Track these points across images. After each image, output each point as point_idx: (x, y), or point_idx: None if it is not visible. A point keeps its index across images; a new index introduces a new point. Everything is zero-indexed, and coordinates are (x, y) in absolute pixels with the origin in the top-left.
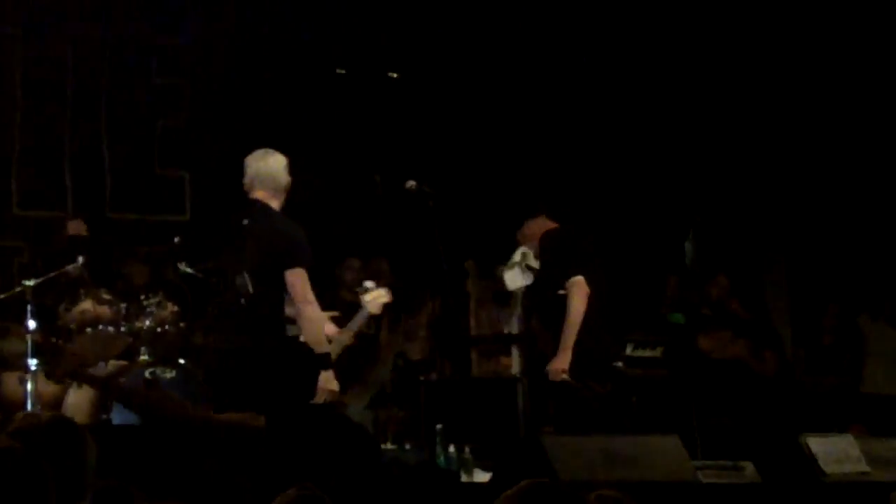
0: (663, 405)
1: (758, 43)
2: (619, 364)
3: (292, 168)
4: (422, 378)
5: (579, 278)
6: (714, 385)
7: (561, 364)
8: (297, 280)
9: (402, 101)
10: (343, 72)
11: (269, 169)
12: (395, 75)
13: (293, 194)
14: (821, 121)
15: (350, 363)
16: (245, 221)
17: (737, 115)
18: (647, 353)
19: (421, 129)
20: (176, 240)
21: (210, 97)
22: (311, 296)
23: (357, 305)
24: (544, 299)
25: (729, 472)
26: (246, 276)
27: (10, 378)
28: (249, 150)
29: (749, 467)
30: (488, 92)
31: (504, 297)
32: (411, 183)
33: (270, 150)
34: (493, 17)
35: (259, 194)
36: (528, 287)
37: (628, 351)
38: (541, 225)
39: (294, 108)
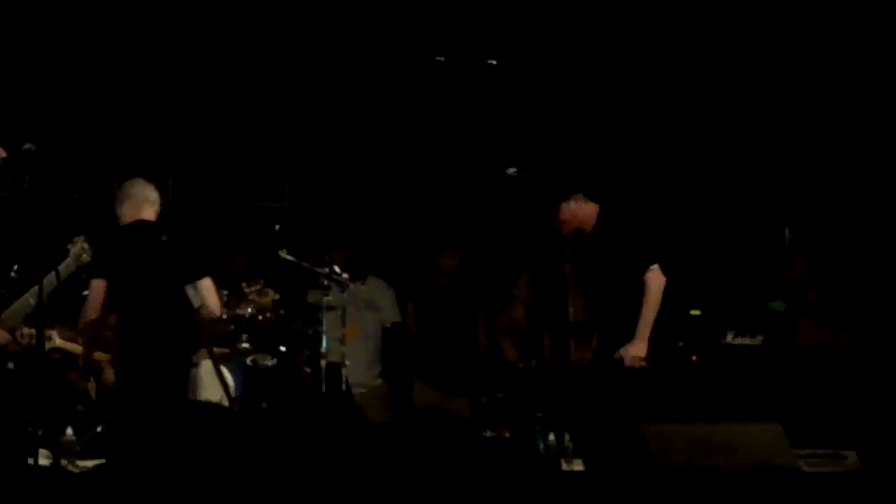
0: (763, 392)
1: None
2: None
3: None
4: (520, 365)
5: (657, 266)
6: (819, 371)
7: (639, 351)
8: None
9: (502, 89)
10: (442, 59)
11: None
12: (494, 62)
13: (392, 182)
14: None
15: (449, 359)
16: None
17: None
18: (747, 340)
19: (521, 115)
20: (276, 227)
21: (309, 85)
22: None
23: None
24: (612, 285)
25: (831, 461)
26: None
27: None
28: (349, 138)
29: (851, 455)
30: (587, 77)
31: None
32: (511, 170)
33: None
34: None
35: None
36: (586, 271)
37: (728, 339)
38: (593, 208)
39: (393, 95)
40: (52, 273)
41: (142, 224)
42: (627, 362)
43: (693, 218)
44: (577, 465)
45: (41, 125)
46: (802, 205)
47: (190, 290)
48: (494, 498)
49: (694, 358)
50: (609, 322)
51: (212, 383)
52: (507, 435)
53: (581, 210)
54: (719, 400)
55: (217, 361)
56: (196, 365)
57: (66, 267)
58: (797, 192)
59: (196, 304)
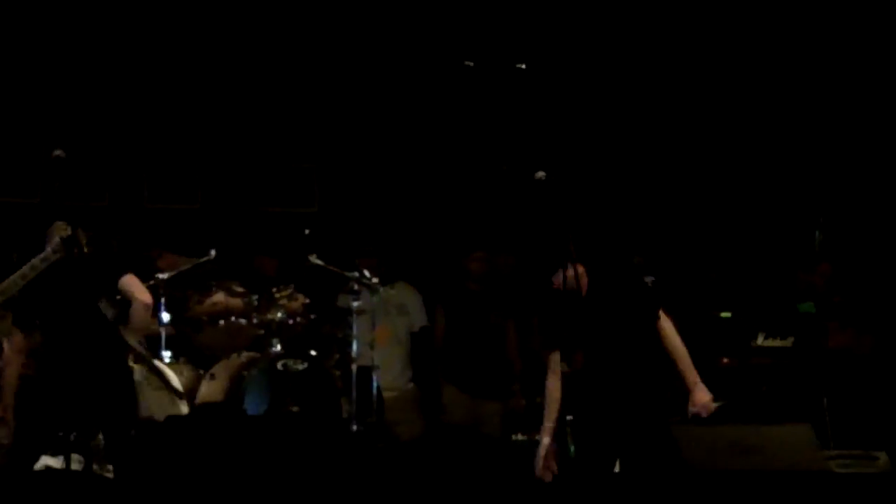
0: (794, 394)
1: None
2: None
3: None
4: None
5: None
6: (849, 373)
7: (707, 395)
8: None
9: (531, 93)
10: (471, 64)
11: None
12: (523, 66)
13: (421, 186)
14: None
15: (479, 363)
16: None
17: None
18: (778, 342)
19: (550, 119)
20: (306, 232)
21: (338, 91)
22: None
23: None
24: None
25: (861, 462)
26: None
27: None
28: (378, 143)
29: (882, 457)
30: (617, 81)
31: None
32: (541, 174)
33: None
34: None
35: None
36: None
37: (759, 341)
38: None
39: (422, 100)
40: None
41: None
42: (705, 413)
43: (723, 220)
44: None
45: (71, 132)
46: (832, 207)
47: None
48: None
49: (724, 360)
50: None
51: (150, 388)
52: (538, 438)
53: (581, 278)
54: (750, 402)
55: (151, 362)
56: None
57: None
58: (827, 194)
59: (110, 315)
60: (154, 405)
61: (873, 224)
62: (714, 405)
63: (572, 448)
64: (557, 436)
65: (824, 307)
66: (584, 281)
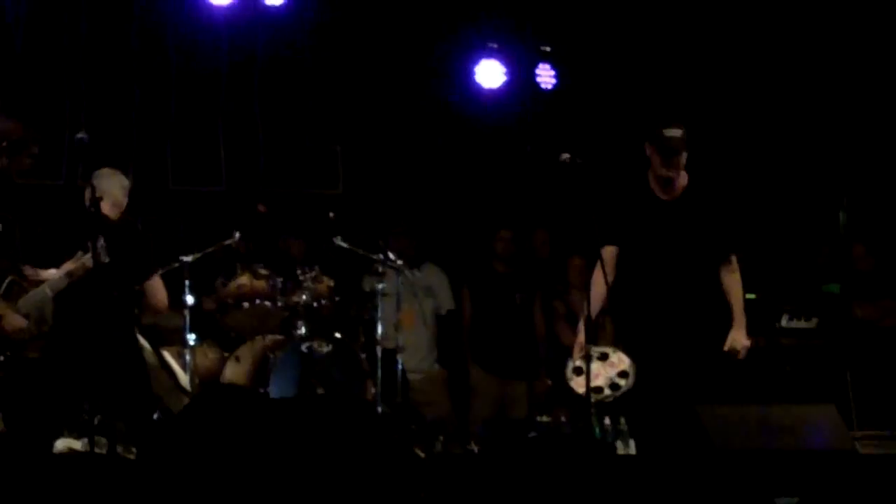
0: (819, 375)
1: None
2: None
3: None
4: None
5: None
6: (874, 354)
7: (746, 338)
8: None
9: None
10: (495, 46)
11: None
12: (547, 49)
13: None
14: None
15: (506, 344)
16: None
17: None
18: (802, 323)
19: (573, 102)
20: (331, 214)
21: (362, 72)
22: None
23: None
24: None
25: (887, 442)
26: None
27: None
28: (402, 124)
29: None
30: (642, 62)
31: None
32: (565, 155)
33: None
34: None
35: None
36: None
37: (783, 322)
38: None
39: (445, 82)
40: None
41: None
42: (743, 354)
43: (747, 202)
44: (634, 449)
45: (96, 114)
46: (856, 187)
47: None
48: (551, 482)
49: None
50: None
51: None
52: (563, 419)
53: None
54: (775, 383)
55: (160, 358)
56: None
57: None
58: (851, 174)
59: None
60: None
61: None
62: (747, 346)
63: (597, 429)
64: (582, 416)
65: (856, 284)
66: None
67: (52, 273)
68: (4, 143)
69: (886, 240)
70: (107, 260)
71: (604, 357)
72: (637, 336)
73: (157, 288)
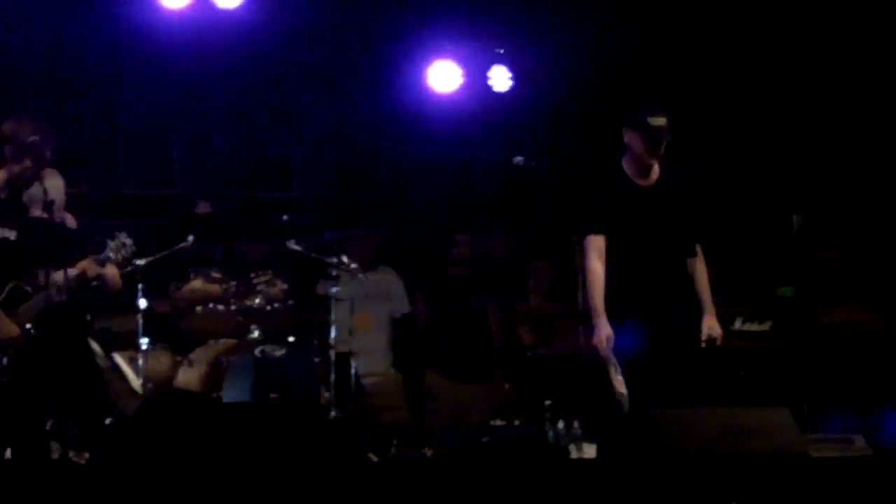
0: (773, 378)
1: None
2: None
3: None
4: (530, 354)
5: None
6: (830, 358)
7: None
8: None
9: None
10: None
11: None
12: (500, 51)
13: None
14: None
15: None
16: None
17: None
18: (756, 326)
19: (529, 105)
20: (284, 217)
21: (316, 76)
22: None
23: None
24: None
25: (839, 445)
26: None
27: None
28: (358, 128)
29: (859, 440)
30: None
31: None
32: (519, 159)
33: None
34: None
35: None
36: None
37: (737, 325)
38: None
39: (402, 85)
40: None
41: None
42: (720, 341)
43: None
44: (588, 452)
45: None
46: (811, 190)
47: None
48: (505, 486)
49: (703, 344)
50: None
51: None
52: (517, 423)
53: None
54: (730, 386)
55: (112, 362)
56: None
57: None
58: (805, 177)
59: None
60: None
61: (853, 206)
62: (721, 333)
63: (551, 433)
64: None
65: (805, 290)
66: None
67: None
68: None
69: (843, 244)
70: (127, 255)
71: None
72: (620, 325)
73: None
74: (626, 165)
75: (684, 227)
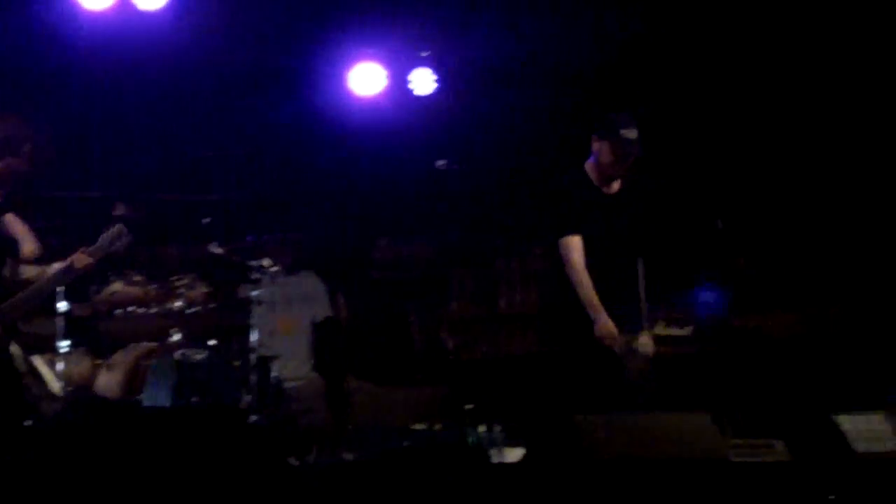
0: (693, 383)
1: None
2: None
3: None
4: (451, 358)
5: None
6: (752, 362)
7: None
8: None
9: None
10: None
11: None
12: (425, 54)
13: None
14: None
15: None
16: None
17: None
18: (676, 331)
19: (453, 109)
20: (205, 221)
21: (237, 77)
22: None
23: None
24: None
25: (760, 450)
26: None
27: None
28: (276, 129)
29: (780, 445)
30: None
31: (534, 275)
32: (441, 162)
33: None
34: None
35: None
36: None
37: (658, 329)
38: None
39: (324, 86)
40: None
41: None
42: (644, 363)
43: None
44: (509, 456)
45: None
46: (733, 195)
47: None
48: (425, 490)
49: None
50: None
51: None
52: (438, 427)
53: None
54: (651, 391)
55: (28, 356)
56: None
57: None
58: (727, 181)
59: None
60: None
61: (776, 211)
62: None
63: (472, 438)
64: (457, 422)
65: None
66: None
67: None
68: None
69: (768, 249)
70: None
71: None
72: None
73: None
74: (589, 170)
75: (639, 238)
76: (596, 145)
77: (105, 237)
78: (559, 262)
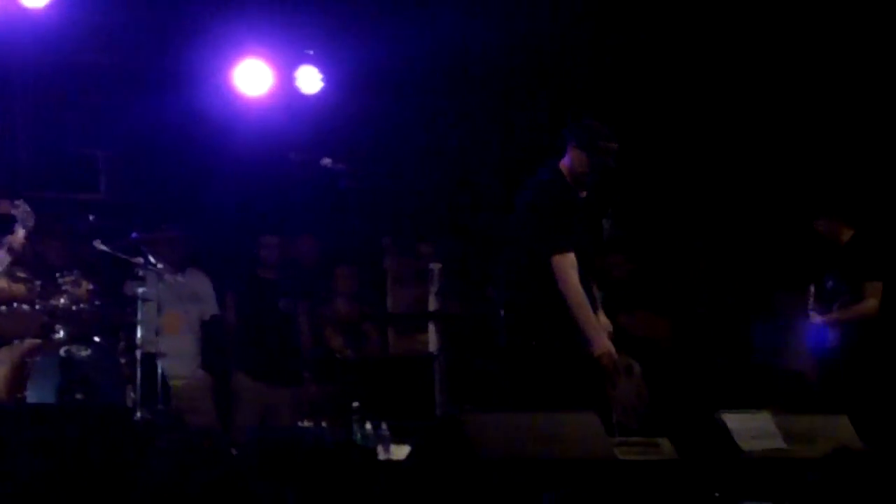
0: (579, 383)
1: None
2: None
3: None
4: (338, 356)
5: None
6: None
7: None
8: None
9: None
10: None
11: None
12: (311, 52)
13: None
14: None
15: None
16: None
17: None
18: None
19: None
20: (91, 218)
21: (123, 76)
22: None
23: (275, 283)
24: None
25: (645, 449)
26: None
27: None
28: (161, 127)
29: (665, 444)
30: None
31: (422, 274)
32: (326, 160)
33: None
34: None
35: None
36: None
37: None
38: None
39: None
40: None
41: None
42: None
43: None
44: (396, 454)
45: None
46: (620, 195)
47: None
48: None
49: None
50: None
51: None
52: (325, 425)
53: None
54: (538, 391)
55: None
56: None
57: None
58: (615, 182)
59: None
60: None
61: (662, 211)
62: None
63: (358, 435)
64: (343, 420)
65: (616, 294)
66: None
67: None
68: None
69: (644, 249)
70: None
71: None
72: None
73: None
74: (567, 174)
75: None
76: (571, 153)
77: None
78: (538, 274)
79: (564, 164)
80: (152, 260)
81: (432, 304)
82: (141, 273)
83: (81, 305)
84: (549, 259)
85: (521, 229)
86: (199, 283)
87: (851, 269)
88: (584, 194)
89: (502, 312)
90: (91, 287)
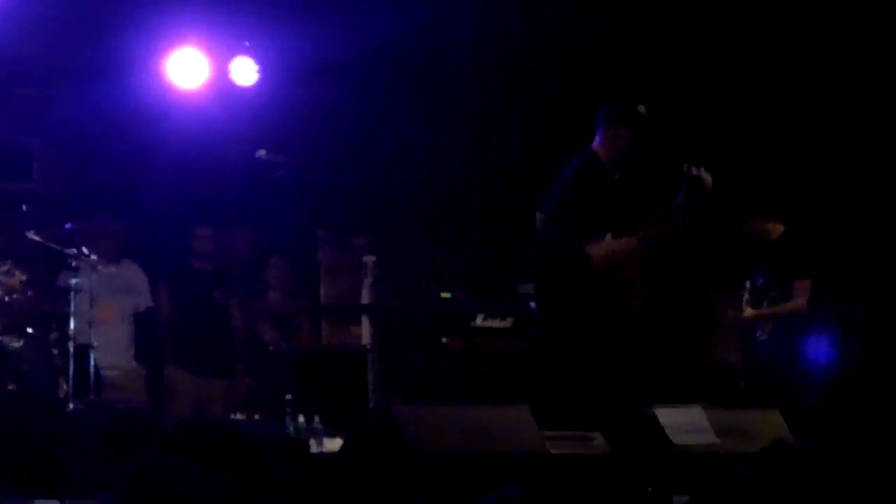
0: (514, 375)
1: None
2: None
3: None
4: (271, 348)
5: None
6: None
7: None
8: None
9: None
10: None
11: None
12: (247, 44)
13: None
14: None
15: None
16: None
17: None
18: (497, 323)
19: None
20: (24, 208)
21: (63, 65)
22: None
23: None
24: None
25: (578, 443)
26: None
27: None
28: (95, 117)
29: (598, 438)
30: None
31: (356, 266)
32: (262, 152)
33: None
34: None
35: None
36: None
37: (478, 321)
38: None
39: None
40: None
41: None
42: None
43: (446, 200)
44: (328, 447)
45: None
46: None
47: None
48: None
49: (445, 340)
50: None
51: None
52: (257, 417)
53: None
54: (471, 383)
55: None
56: None
57: None
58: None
59: None
60: None
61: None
62: None
63: (291, 428)
64: (276, 413)
65: None
66: None
67: None
68: None
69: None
70: None
71: None
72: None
73: None
74: (604, 158)
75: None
76: (610, 131)
77: None
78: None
79: (597, 147)
80: (86, 251)
81: (366, 297)
82: (74, 264)
83: (14, 296)
84: (583, 248)
85: (556, 220)
86: (133, 275)
87: (781, 267)
88: (616, 176)
89: (532, 305)
90: (24, 278)
